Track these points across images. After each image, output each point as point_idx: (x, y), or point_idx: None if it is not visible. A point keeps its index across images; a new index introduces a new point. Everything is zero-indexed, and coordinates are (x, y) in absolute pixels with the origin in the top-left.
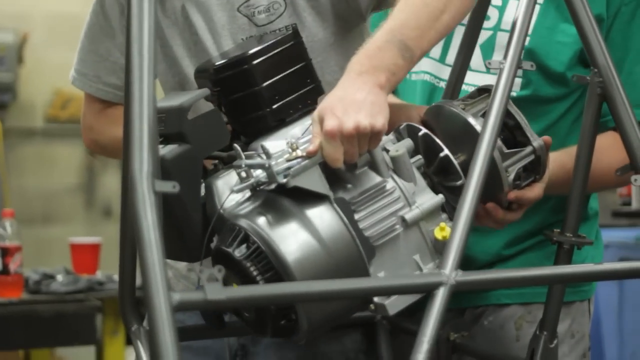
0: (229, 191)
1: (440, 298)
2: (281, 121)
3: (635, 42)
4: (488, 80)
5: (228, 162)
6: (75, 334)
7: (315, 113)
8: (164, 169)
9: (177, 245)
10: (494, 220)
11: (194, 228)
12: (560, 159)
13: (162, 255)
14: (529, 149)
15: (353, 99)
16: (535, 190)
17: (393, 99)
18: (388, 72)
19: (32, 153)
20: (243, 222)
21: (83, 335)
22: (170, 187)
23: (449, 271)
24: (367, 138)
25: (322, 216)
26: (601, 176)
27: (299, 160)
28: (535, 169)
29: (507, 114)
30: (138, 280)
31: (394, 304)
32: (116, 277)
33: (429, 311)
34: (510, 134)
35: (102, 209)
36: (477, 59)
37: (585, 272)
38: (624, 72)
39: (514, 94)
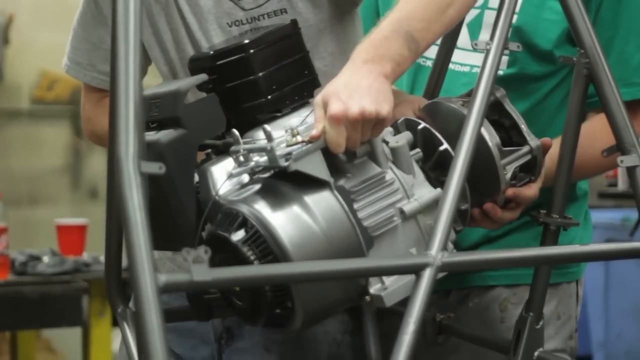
0: (224, 177)
1: (426, 279)
2: (277, 112)
3: (625, 20)
4: (475, 58)
5: (223, 151)
6: (62, 316)
7: (319, 97)
8: (158, 152)
9: (168, 234)
10: (492, 221)
11: (187, 215)
12: (554, 152)
13: (148, 236)
14: (526, 148)
15: (358, 85)
16: (533, 189)
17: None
18: (393, 62)
19: (18, 134)
20: (241, 207)
21: (69, 316)
22: (156, 168)
23: (435, 252)
24: (371, 124)
25: (323, 202)
26: (594, 160)
27: (299, 145)
28: (531, 169)
29: (504, 114)
30: (124, 262)
31: (391, 296)
32: (102, 258)
33: (416, 292)
34: (507, 134)
35: (88, 191)
36: (464, 37)
37: (571, 253)
38: (615, 51)
39: (500, 72)
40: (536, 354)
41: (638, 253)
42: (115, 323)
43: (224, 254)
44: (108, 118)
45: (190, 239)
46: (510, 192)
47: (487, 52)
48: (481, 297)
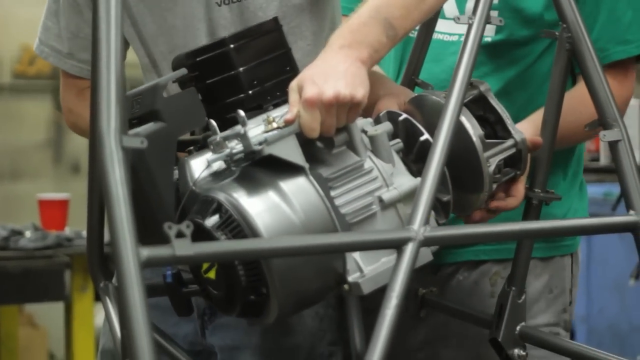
0: (199, 170)
1: (408, 254)
2: (258, 107)
3: None
4: (463, 28)
5: (204, 146)
6: (44, 290)
7: (294, 82)
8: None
9: (147, 228)
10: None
11: (166, 209)
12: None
13: (130, 211)
14: (510, 141)
15: (334, 70)
16: (517, 198)
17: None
18: (370, 48)
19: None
20: (216, 193)
21: (52, 291)
22: (138, 142)
23: (418, 227)
24: (346, 108)
25: (298, 188)
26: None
27: (273, 132)
28: (516, 164)
29: (488, 109)
30: (107, 237)
31: (369, 283)
32: (85, 233)
33: (398, 267)
34: (492, 129)
35: (70, 165)
36: (451, 7)
37: (553, 227)
38: (605, 10)
39: (489, 39)
40: (518, 328)
41: (620, 228)
42: (97, 298)
43: (200, 240)
44: None
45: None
46: (493, 205)
47: (470, 26)
48: (470, 272)
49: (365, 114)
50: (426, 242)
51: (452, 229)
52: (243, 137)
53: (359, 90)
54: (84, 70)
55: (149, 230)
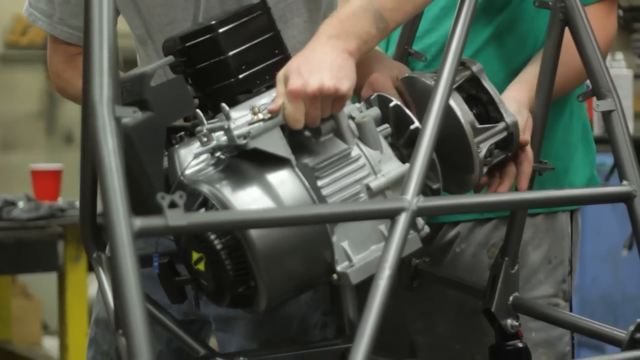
0: (188, 160)
1: (402, 224)
2: (248, 92)
3: None
4: None
5: (193, 133)
6: (37, 261)
7: (281, 72)
8: (125, 136)
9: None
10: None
11: (156, 184)
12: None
13: (123, 181)
14: (501, 125)
15: (320, 61)
16: (510, 178)
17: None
18: (359, 39)
19: None
20: (202, 186)
21: (45, 262)
22: (130, 112)
23: (411, 197)
24: (330, 100)
25: (283, 180)
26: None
27: (260, 123)
28: (507, 146)
29: (480, 89)
30: (100, 207)
31: (357, 273)
32: (78, 203)
33: (391, 237)
34: (484, 109)
35: (63, 136)
36: None
37: (546, 197)
38: None
39: None
40: (511, 298)
41: (613, 198)
42: (91, 268)
43: (189, 235)
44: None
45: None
46: (490, 190)
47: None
48: (468, 243)
49: (359, 90)
50: (419, 212)
51: (445, 199)
52: (227, 131)
53: (344, 83)
54: (74, 36)
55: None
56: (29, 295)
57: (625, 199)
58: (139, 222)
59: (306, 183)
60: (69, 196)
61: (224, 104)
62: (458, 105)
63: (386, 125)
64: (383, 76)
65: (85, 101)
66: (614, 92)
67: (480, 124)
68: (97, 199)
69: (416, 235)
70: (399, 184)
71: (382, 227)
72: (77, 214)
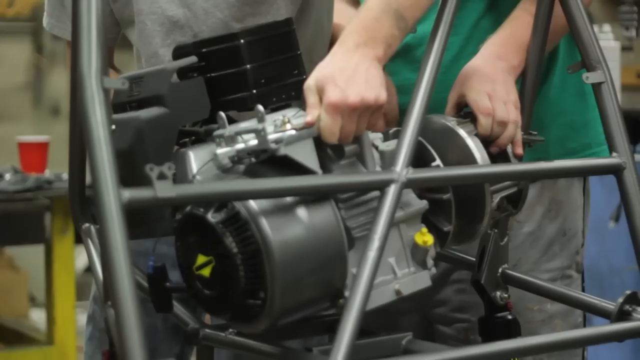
0: (202, 162)
1: (391, 195)
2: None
3: None
4: None
5: (202, 140)
6: (24, 233)
7: (312, 82)
8: (137, 129)
9: (140, 218)
10: None
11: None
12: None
13: (112, 152)
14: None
15: (355, 71)
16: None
17: None
18: (385, 44)
19: None
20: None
21: (31, 234)
22: (119, 83)
23: (400, 168)
24: (368, 113)
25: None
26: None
27: (292, 131)
28: (514, 202)
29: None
30: (88, 179)
31: (370, 301)
32: (65, 175)
33: (381, 208)
34: (493, 161)
35: (50, 108)
36: None
37: (537, 169)
38: None
39: None
40: (500, 270)
41: (603, 170)
42: (78, 240)
43: (200, 235)
44: None
45: (160, 225)
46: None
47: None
48: None
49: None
50: (409, 183)
51: (435, 171)
52: (259, 133)
53: (382, 93)
54: None
55: (140, 220)
56: (15, 268)
57: (615, 171)
58: (128, 193)
59: (332, 200)
60: (56, 168)
61: (259, 105)
62: (478, 150)
63: None
64: (395, 109)
65: (74, 73)
66: (604, 64)
67: None
68: (86, 171)
69: (426, 273)
70: (414, 220)
71: (392, 260)
72: (64, 187)
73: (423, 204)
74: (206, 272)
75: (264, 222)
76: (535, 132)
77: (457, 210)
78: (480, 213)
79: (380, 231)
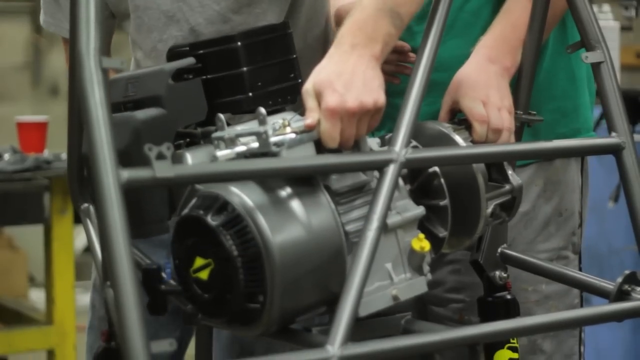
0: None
1: (390, 175)
2: (251, 111)
3: None
4: None
5: (199, 140)
6: (23, 213)
7: (310, 86)
8: (133, 129)
9: (135, 218)
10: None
11: (156, 200)
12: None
13: (110, 132)
14: (508, 187)
15: (353, 74)
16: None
17: None
18: (382, 43)
19: None
20: (222, 190)
21: (30, 214)
22: (118, 63)
23: (399, 148)
24: (368, 117)
25: (310, 197)
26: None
27: (292, 134)
28: (507, 210)
29: None
30: None
31: (366, 306)
32: (64, 155)
33: (380, 188)
34: (487, 170)
35: (49, 88)
36: None
37: (535, 149)
38: None
39: None
40: (499, 250)
41: (602, 150)
42: (77, 220)
43: (198, 237)
44: None
45: (156, 226)
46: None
47: None
48: None
49: None
50: (407, 163)
51: (434, 151)
52: (261, 136)
53: (381, 95)
54: None
55: (136, 221)
56: (15, 248)
57: (614, 150)
58: (126, 173)
59: (332, 204)
60: (55, 148)
61: (261, 108)
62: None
63: None
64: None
65: (73, 53)
66: (603, 44)
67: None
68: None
69: (422, 279)
70: (411, 225)
71: (389, 265)
72: (63, 166)
73: (420, 209)
74: (204, 274)
75: (265, 226)
76: (535, 112)
77: (452, 217)
78: (475, 220)
79: (379, 211)
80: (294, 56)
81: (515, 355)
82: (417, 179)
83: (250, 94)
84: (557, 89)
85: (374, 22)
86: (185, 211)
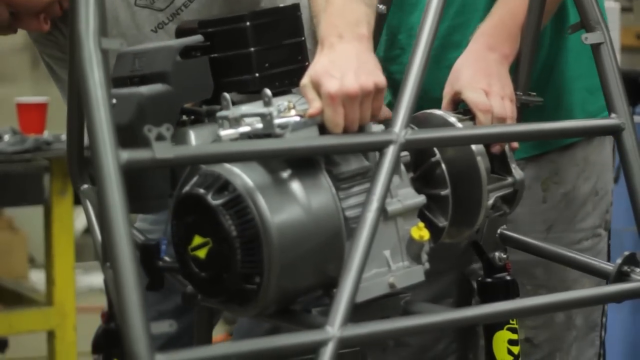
0: (202, 142)
1: (389, 156)
2: (257, 92)
3: None
4: None
5: (203, 119)
6: (23, 194)
7: (306, 79)
8: (138, 105)
9: (135, 193)
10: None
11: (157, 176)
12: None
13: (110, 113)
14: (510, 179)
15: (347, 59)
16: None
17: None
18: (364, 22)
19: None
20: (223, 170)
21: (30, 195)
22: (117, 44)
23: (399, 129)
24: (370, 99)
25: (311, 179)
26: None
27: (297, 117)
28: (509, 202)
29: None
30: (87, 140)
31: (363, 292)
32: (64, 136)
33: (379, 169)
34: (490, 162)
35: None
36: None
37: (536, 130)
38: None
39: None
40: (499, 231)
41: (602, 131)
42: (77, 201)
43: (198, 216)
44: None
45: (156, 203)
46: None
47: None
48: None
49: None
50: (407, 145)
51: (434, 132)
52: (266, 117)
53: (379, 76)
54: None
55: (135, 195)
56: (15, 229)
57: (614, 131)
58: (126, 154)
59: (333, 188)
60: (55, 129)
61: (266, 89)
62: (478, 150)
63: (406, 153)
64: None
65: (72, 33)
66: (603, 25)
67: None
68: (84, 132)
69: (420, 268)
70: (411, 213)
71: (387, 252)
72: (63, 147)
73: (421, 198)
74: (202, 253)
75: (265, 207)
76: (535, 93)
77: (453, 207)
78: (476, 211)
79: (379, 192)
80: (303, 39)
81: (515, 337)
82: (420, 168)
83: (257, 74)
84: (582, 68)
85: (347, 8)
86: (186, 189)
